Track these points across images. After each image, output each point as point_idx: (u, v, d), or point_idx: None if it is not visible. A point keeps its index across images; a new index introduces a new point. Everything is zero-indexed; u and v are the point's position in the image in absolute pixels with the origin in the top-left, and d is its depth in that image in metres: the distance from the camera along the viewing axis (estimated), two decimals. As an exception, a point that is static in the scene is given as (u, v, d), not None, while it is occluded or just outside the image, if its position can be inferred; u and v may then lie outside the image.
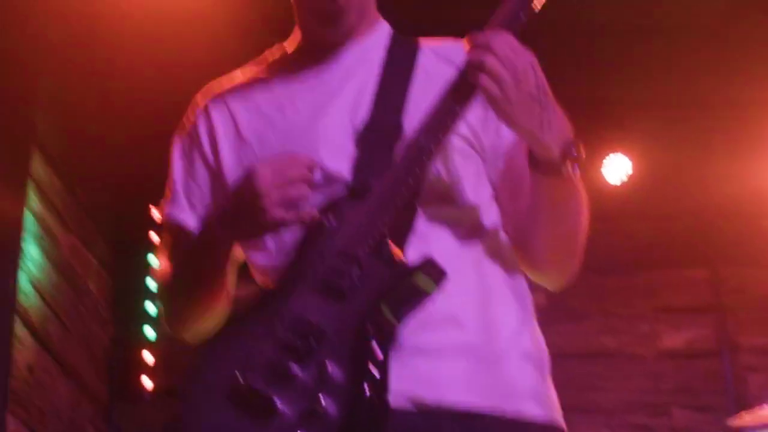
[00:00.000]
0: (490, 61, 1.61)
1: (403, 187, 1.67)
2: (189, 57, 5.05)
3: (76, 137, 5.56)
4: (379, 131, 1.80)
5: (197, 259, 1.89)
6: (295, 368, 1.60)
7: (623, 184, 5.98)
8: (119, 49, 5.09)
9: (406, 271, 1.64)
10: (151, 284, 6.62)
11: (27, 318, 4.95)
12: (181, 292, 1.97)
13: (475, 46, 1.65)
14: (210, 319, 1.97)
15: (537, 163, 1.73)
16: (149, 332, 6.53)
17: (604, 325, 6.71)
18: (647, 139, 6.02)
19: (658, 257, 6.78)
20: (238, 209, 1.73)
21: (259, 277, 1.97)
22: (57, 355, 5.42)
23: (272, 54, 2.11)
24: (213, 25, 4.92)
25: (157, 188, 6.36)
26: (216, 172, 2.00)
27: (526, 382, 1.82)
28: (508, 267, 1.88)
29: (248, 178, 1.70)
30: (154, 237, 6.58)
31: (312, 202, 1.75)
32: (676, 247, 6.72)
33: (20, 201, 4.59)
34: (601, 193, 6.13)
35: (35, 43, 4.74)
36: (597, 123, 5.81)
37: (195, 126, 2.08)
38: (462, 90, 1.67)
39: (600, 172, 5.92)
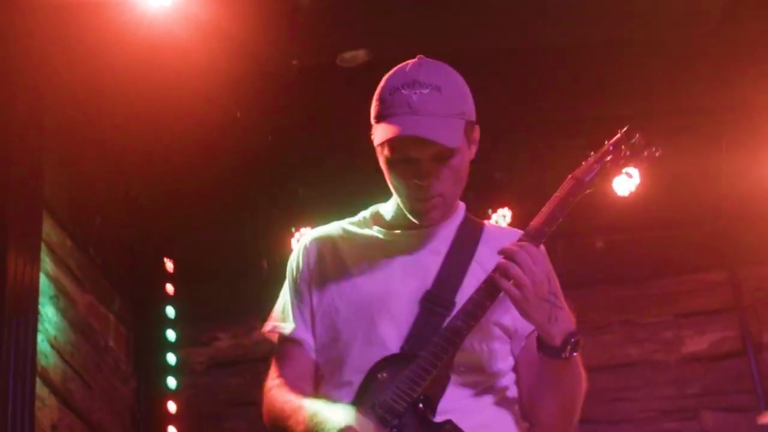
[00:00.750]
0: (514, 271, 2.11)
1: (440, 361, 2.14)
2: (185, 108, 5.09)
3: (83, 197, 5.58)
4: (436, 304, 2.26)
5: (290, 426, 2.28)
6: None
7: (634, 196, 5.95)
8: (121, 107, 5.13)
9: (433, 428, 2.14)
10: (170, 335, 6.63)
11: (47, 377, 4.95)
12: (277, 425, 2.34)
13: (505, 256, 2.15)
14: None
15: (543, 347, 2.20)
16: (171, 382, 6.54)
17: (627, 335, 6.69)
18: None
19: (675, 263, 6.76)
20: None
21: None
22: (80, 412, 5.42)
23: (368, 215, 2.56)
24: (208, 78, 4.96)
25: (168, 241, 6.42)
26: (311, 300, 2.43)
27: None
28: (510, 410, 2.34)
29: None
30: (169, 288, 6.60)
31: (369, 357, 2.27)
32: (692, 252, 6.71)
33: (35, 264, 4.60)
34: (613, 206, 6.13)
35: (38, 105, 4.77)
36: (603, 138, 5.82)
37: (299, 260, 2.49)
38: (492, 289, 2.17)
39: (610, 186, 5.90)
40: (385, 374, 2.21)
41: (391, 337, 2.26)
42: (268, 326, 2.50)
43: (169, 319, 6.66)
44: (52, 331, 5.06)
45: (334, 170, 6.07)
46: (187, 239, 6.29)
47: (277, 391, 2.38)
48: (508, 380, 2.34)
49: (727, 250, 6.71)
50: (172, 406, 6.50)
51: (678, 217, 6.55)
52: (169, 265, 6.60)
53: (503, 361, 2.34)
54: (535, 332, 2.24)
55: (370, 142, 2.40)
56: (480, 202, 6.14)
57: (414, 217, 2.37)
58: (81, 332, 5.54)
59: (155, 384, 6.56)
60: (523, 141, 6.12)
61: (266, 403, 2.40)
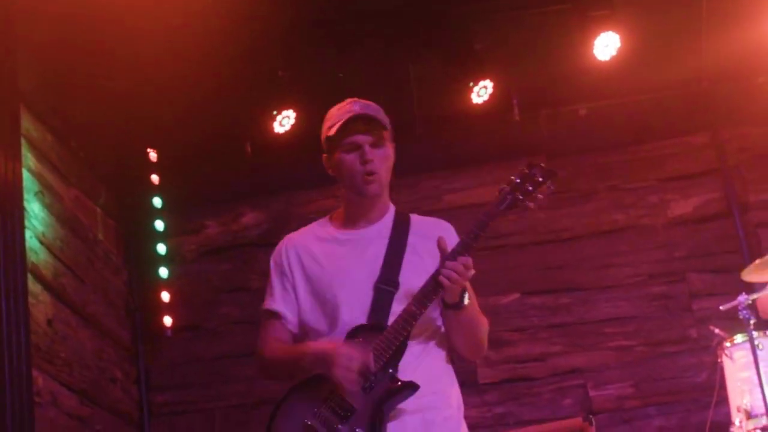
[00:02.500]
0: (453, 276, 2.95)
1: (401, 336, 2.98)
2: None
3: (62, 90, 5.52)
4: (385, 284, 3.08)
5: (291, 366, 3.15)
6: (339, 425, 2.94)
7: (615, 61, 5.91)
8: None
9: (398, 385, 2.97)
10: (159, 225, 6.65)
11: (39, 273, 4.97)
12: (279, 370, 3.25)
13: (447, 264, 2.96)
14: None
15: (448, 306, 3.06)
16: (162, 272, 6.58)
17: (613, 202, 6.73)
18: (634, 14, 5.95)
19: (658, 128, 6.76)
20: (315, 369, 3.02)
21: None
22: (74, 306, 5.46)
23: (329, 217, 3.34)
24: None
25: (150, 131, 6.38)
26: (294, 288, 3.23)
27: (455, 427, 3.12)
28: (445, 350, 3.18)
29: (324, 364, 2.96)
30: (154, 178, 6.58)
31: (345, 321, 3.09)
32: (675, 116, 6.70)
33: (17, 160, 4.57)
34: (594, 72, 6.10)
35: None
36: (584, 5, 5.78)
37: (281, 258, 3.27)
38: (436, 285, 2.97)
39: (591, 52, 5.85)
40: (361, 339, 2.99)
41: (357, 312, 3.06)
42: (263, 306, 3.28)
43: (157, 209, 6.66)
44: (39, 227, 5.06)
45: (314, 52, 6.00)
46: (170, 128, 6.24)
47: (274, 345, 3.21)
48: (437, 327, 3.16)
49: (709, 112, 6.71)
50: (165, 296, 6.55)
51: (660, 81, 6.52)
52: (153, 155, 6.57)
53: (436, 318, 3.17)
54: None
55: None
56: (460, 75, 6.09)
57: (361, 192, 3.17)
58: (69, 227, 5.54)
59: (147, 274, 6.61)
60: (503, 10, 6.04)
61: (267, 355, 3.21)
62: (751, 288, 5.25)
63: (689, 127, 6.77)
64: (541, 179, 3.07)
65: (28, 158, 5.02)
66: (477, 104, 6.15)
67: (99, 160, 6.19)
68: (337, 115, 3.20)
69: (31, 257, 4.85)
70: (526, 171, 3.08)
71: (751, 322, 4.89)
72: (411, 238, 3.21)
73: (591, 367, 6.43)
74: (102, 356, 5.84)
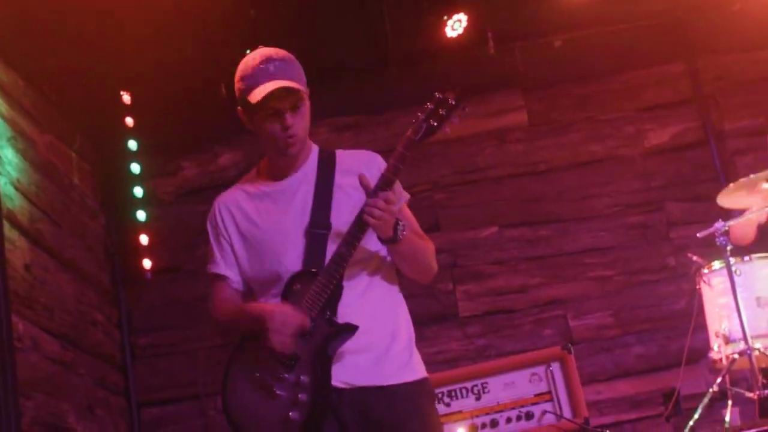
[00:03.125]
0: (376, 213, 2.96)
1: (334, 279, 3.04)
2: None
3: (33, 35, 5.43)
4: (317, 228, 3.13)
5: (237, 326, 3.28)
6: (285, 374, 3.05)
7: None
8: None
9: (337, 328, 3.06)
10: (135, 168, 6.61)
11: (15, 219, 4.94)
12: (229, 329, 3.40)
13: (368, 202, 2.97)
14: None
15: (384, 241, 3.08)
16: (140, 215, 6.56)
17: (590, 133, 6.73)
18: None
19: (634, 58, 6.75)
20: (257, 329, 3.08)
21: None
22: (52, 251, 5.44)
23: (256, 170, 3.37)
24: None
25: (124, 74, 6.30)
26: (233, 248, 3.29)
27: (407, 359, 3.19)
28: (393, 282, 3.28)
29: (264, 320, 3.05)
30: (129, 121, 6.53)
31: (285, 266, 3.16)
32: (651, 46, 6.68)
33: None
34: (569, 3, 6.07)
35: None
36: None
37: (216, 220, 3.32)
38: (362, 223, 2.99)
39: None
40: (299, 286, 3.09)
41: (294, 260, 3.13)
42: (207, 269, 3.35)
43: (132, 152, 6.62)
44: (13, 173, 5.02)
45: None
46: (143, 71, 6.17)
47: (222, 306, 3.30)
48: (381, 259, 3.22)
49: (684, 41, 6.70)
50: (143, 239, 6.54)
51: (634, 11, 6.49)
52: (127, 98, 6.51)
53: (374, 246, 3.18)
54: None
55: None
56: (434, 8, 6.05)
57: (283, 153, 3.19)
58: (44, 172, 5.50)
59: (125, 218, 6.58)
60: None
61: (217, 317, 3.32)
62: (727, 215, 5.28)
63: (665, 56, 6.77)
64: (453, 103, 3.06)
65: (-1, 104, 4.97)
66: (451, 38, 6.13)
67: (72, 105, 6.12)
68: (252, 75, 3.16)
69: (6, 203, 4.82)
70: (439, 97, 3.07)
71: (728, 248, 4.92)
72: (337, 177, 3.23)
73: (571, 297, 6.47)
74: (82, 300, 5.83)
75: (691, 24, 6.60)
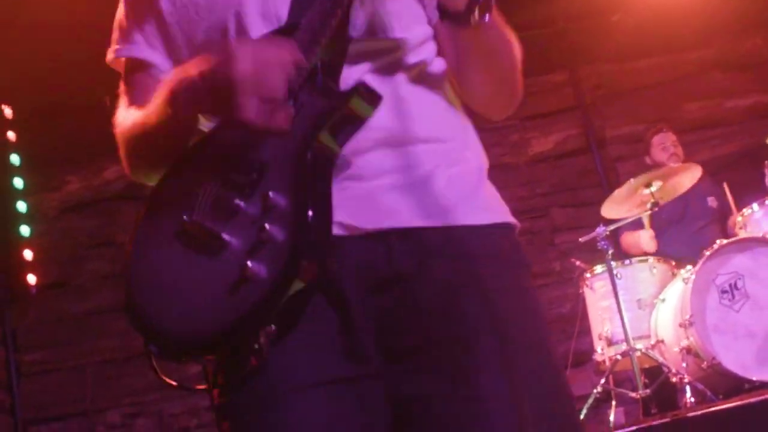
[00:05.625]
0: None
1: (332, 19, 1.61)
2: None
3: None
4: None
5: (163, 117, 1.74)
6: (240, 203, 1.60)
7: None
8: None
9: (341, 98, 1.61)
10: (18, 183, 6.49)
11: None
12: (146, 141, 1.83)
13: None
14: (171, 159, 1.84)
15: (446, 15, 1.69)
16: (24, 230, 6.44)
17: (475, 141, 6.82)
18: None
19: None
20: (211, 95, 1.63)
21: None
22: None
23: None
24: None
25: (4, 86, 6.17)
26: (159, 16, 1.87)
27: (474, 187, 1.81)
28: (436, 89, 1.83)
29: (226, 64, 1.59)
30: (11, 135, 6.41)
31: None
32: (533, 55, 6.71)
33: None
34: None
35: None
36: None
37: None
38: None
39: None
40: None
41: (255, 17, 1.76)
42: (109, 55, 1.97)
43: (15, 167, 6.49)
44: None
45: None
46: (25, 84, 6.06)
47: (140, 104, 1.87)
48: (424, 53, 1.82)
49: (566, 50, 6.84)
50: (28, 254, 6.41)
51: (517, 22, 6.57)
52: (8, 112, 6.39)
53: (414, 26, 1.81)
54: None
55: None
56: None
57: None
58: (-77, 188, 5.36)
59: (8, 233, 6.45)
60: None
61: (123, 132, 1.90)
62: (609, 220, 5.43)
63: (547, 66, 6.90)
64: None
65: None
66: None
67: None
68: None
69: None
70: None
71: (609, 252, 5.04)
72: None
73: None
74: (-35, 319, 5.70)
75: (573, 34, 6.75)
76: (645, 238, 5.52)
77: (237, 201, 1.60)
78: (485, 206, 1.79)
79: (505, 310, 1.64)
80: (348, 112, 1.61)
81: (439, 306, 1.63)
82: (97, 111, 6.11)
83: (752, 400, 3.82)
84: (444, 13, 1.68)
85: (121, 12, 1.96)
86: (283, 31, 1.68)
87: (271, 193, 1.57)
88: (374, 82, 1.66)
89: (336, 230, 1.62)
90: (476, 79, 1.84)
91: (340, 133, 1.62)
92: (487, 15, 1.69)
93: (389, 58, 1.77)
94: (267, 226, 1.55)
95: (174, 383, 1.67)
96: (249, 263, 1.53)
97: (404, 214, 1.67)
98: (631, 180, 5.25)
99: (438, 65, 1.85)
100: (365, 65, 1.73)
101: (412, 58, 1.79)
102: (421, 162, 1.72)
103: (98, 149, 6.66)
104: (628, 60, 6.91)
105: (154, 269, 1.68)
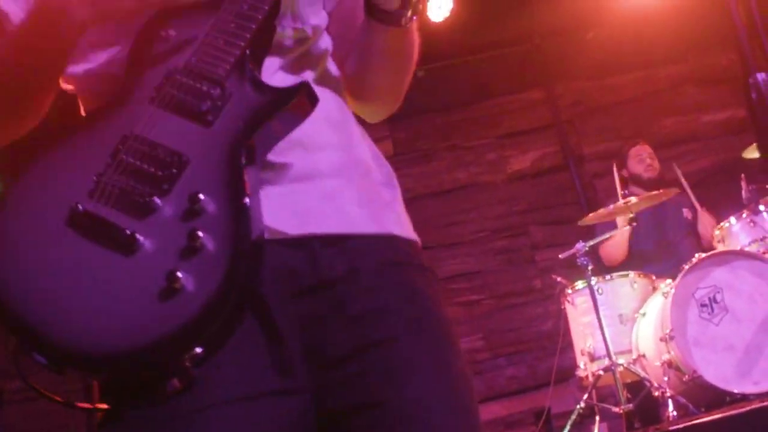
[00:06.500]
0: None
1: (265, 4, 1.47)
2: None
3: None
4: None
5: (33, 41, 1.49)
6: (157, 200, 1.35)
7: (449, 22, 6.00)
8: None
9: (283, 94, 1.45)
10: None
11: None
12: (4, 82, 1.52)
13: None
14: (28, 120, 1.59)
15: (376, 12, 1.62)
16: None
17: (454, 161, 6.85)
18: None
19: (494, 86, 6.91)
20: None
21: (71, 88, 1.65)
22: None
23: None
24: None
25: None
26: None
27: (390, 201, 1.72)
28: (339, 92, 1.75)
29: None
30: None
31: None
32: (509, 74, 6.85)
33: None
34: (429, 34, 6.16)
35: None
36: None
37: None
38: None
39: (425, 15, 5.92)
40: (171, 31, 1.51)
41: None
42: None
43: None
44: None
45: None
46: None
47: None
48: (326, 43, 1.73)
49: (542, 68, 6.88)
50: None
51: (494, 40, 6.65)
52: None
53: (319, 13, 1.71)
54: None
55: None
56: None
57: None
58: None
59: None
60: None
61: None
62: (592, 232, 5.47)
63: (524, 83, 6.95)
64: None
65: None
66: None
67: None
68: None
69: None
70: None
71: (589, 268, 5.06)
72: None
73: (441, 323, 6.54)
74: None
75: (548, 51, 6.79)
76: (619, 219, 5.53)
77: (154, 198, 1.35)
78: (405, 219, 1.72)
79: (429, 312, 1.59)
80: (289, 111, 1.46)
81: (366, 311, 1.52)
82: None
83: (733, 412, 3.84)
84: (374, 11, 1.62)
85: None
86: (208, 4, 1.51)
87: (201, 196, 1.35)
88: (287, 75, 1.59)
89: (258, 234, 1.39)
90: (380, 81, 1.78)
91: (272, 132, 1.47)
92: (416, 16, 1.66)
93: (300, 49, 1.65)
94: (200, 233, 1.32)
95: (58, 398, 1.37)
96: (178, 273, 1.29)
97: (327, 220, 1.56)
98: (611, 206, 5.32)
99: (333, 64, 1.76)
100: (276, 57, 1.60)
101: (320, 45, 1.70)
102: (337, 167, 1.61)
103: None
104: (604, 76, 6.96)
105: (36, 262, 1.35)
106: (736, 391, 4.54)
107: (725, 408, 4.28)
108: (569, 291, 5.32)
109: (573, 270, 5.28)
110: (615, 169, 5.67)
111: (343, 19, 1.75)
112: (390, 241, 1.63)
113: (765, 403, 3.80)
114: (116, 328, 1.28)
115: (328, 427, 1.48)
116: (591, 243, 5.21)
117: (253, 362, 1.43)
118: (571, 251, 5.10)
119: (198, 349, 1.29)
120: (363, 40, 1.71)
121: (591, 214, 5.42)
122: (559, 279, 5.39)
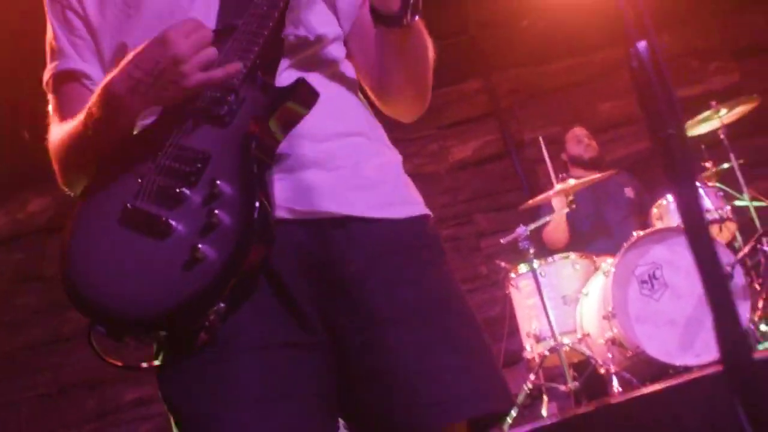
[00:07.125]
0: None
1: (269, 21, 1.78)
2: None
3: None
4: None
5: (102, 124, 1.80)
6: (186, 191, 1.69)
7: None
8: None
9: (283, 92, 1.75)
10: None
11: None
12: (85, 153, 1.87)
13: None
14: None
15: (380, 17, 1.85)
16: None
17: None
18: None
19: (433, 78, 6.95)
20: (155, 78, 1.74)
21: None
22: None
23: None
24: None
25: None
26: (93, 32, 1.97)
27: (395, 183, 1.99)
28: (351, 91, 2.02)
29: (161, 45, 1.72)
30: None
31: None
32: (447, 65, 6.86)
33: None
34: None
35: None
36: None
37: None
38: None
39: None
40: None
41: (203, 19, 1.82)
42: (45, 75, 2.02)
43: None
44: None
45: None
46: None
47: (64, 127, 1.92)
48: (337, 51, 1.98)
49: (479, 58, 6.97)
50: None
51: (429, 32, 6.71)
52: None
53: (329, 26, 1.97)
54: (366, 2, 1.92)
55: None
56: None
57: None
58: None
59: (-66, 272, 6.40)
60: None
61: (57, 145, 1.94)
62: (536, 213, 5.57)
63: (462, 74, 7.02)
64: None
65: None
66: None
67: None
68: None
69: None
70: None
71: (531, 251, 5.15)
72: None
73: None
74: None
75: (484, 41, 6.88)
76: (554, 202, 5.63)
77: (183, 189, 1.69)
78: (409, 198, 1.98)
79: (438, 282, 1.86)
80: (290, 106, 1.76)
81: (381, 287, 1.78)
82: (17, 144, 6.13)
83: (674, 382, 3.94)
84: (378, 16, 1.85)
85: (49, 34, 2.01)
86: (221, 32, 1.81)
87: (218, 181, 1.67)
88: (292, 74, 1.82)
89: (276, 213, 1.73)
90: (399, 80, 1.99)
91: (280, 125, 1.76)
92: (417, 15, 1.87)
93: (309, 52, 1.91)
94: (216, 211, 1.64)
95: (119, 363, 1.69)
96: (199, 245, 1.62)
97: (338, 203, 1.81)
98: (551, 191, 5.41)
99: (349, 69, 2.02)
100: (286, 61, 1.87)
101: (328, 53, 1.96)
102: (347, 154, 1.89)
103: (20, 182, 6.66)
104: (540, 64, 7.06)
105: (99, 253, 1.72)
106: (678, 363, 4.65)
107: (667, 379, 4.38)
108: (513, 275, 5.41)
109: (516, 255, 5.36)
110: (544, 148, 5.73)
111: (362, 36, 2.02)
112: (395, 223, 1.87)
113: (704, 373, 3.90)
114: (154, 296, 1.63)
115: (338, 370, 1.77)
116: (531, 227, 5.30)
117: (275, 319, 1.74)
118: (513, 236, 5.19)
119: (221, 304, 1.61)
120: (377, 47, 1.95)
121: (530, 201, 5.52)
122: (503, 264, 5.47)
